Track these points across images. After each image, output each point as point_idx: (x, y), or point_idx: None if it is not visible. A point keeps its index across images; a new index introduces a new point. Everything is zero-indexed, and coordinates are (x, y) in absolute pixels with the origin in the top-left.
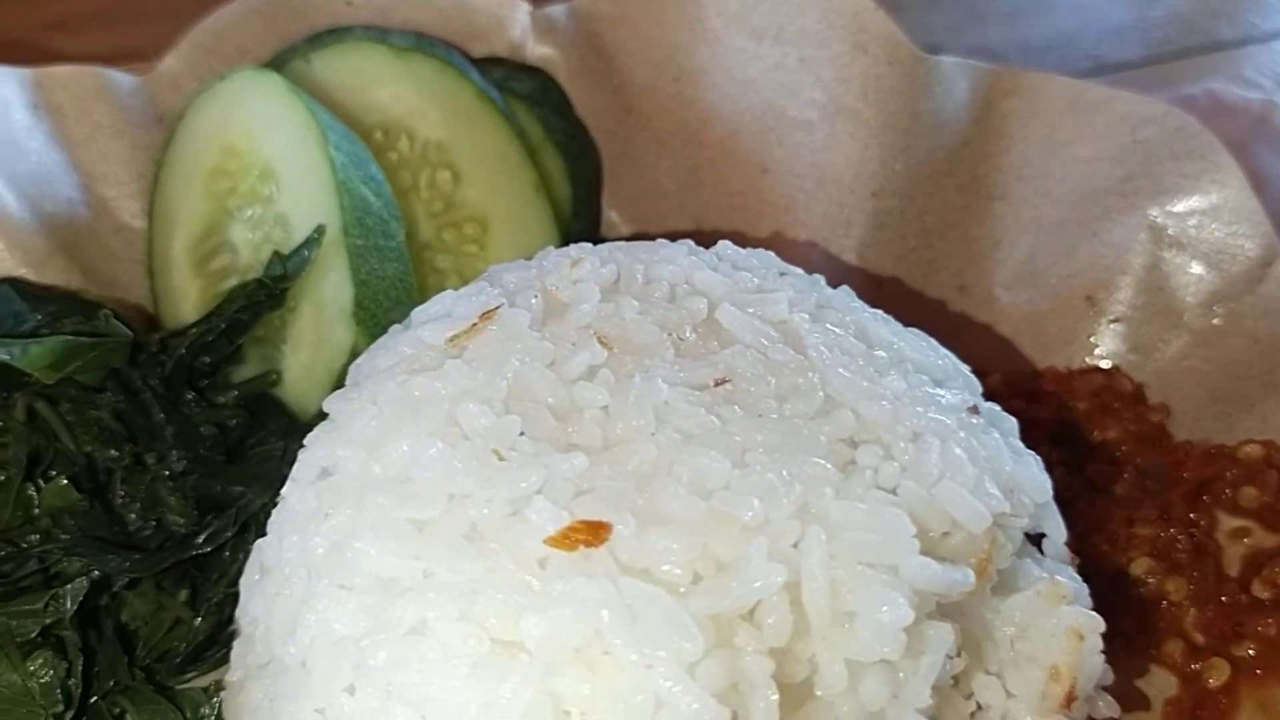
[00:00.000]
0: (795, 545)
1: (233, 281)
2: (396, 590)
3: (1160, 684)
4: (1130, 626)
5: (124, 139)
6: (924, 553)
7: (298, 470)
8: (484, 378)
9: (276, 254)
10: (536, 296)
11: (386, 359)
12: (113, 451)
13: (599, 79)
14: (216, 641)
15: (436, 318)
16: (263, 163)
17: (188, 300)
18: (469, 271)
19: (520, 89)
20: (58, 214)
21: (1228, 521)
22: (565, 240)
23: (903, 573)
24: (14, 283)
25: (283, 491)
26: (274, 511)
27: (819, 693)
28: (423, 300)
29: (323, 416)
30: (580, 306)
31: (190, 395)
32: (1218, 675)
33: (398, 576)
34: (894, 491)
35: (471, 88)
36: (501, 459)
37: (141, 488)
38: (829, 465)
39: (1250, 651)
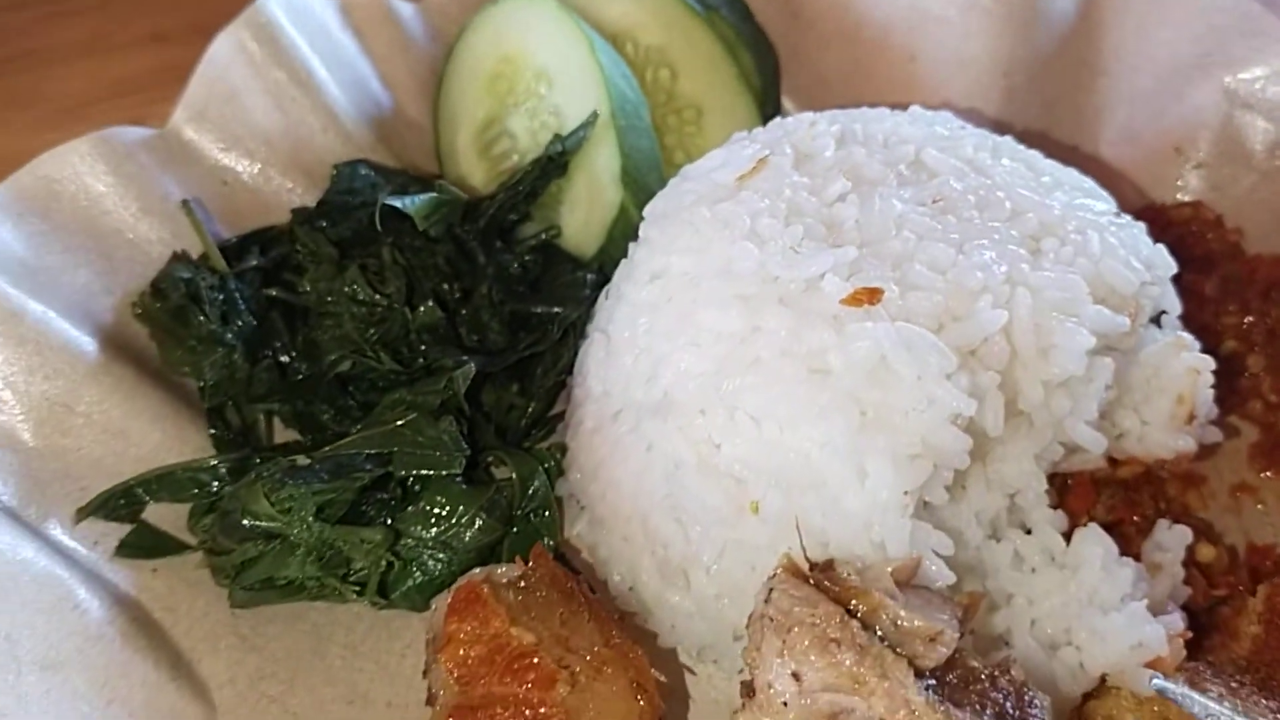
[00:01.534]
0: (1007, 302)
1: (513, 161)
2: (734, 341)
3: (1245, 433)
4: (1223, 391)
5: (409, 54)
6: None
7: (630, 273)
8: (769, 203)
9: (557, 135)
10: (790, 148)
11: (683, 198)
12: (445, 286)
13: None
14: (542, 420)
15: (718, 167)
16: (537, 66)
17: (475, 178)
18: (691, 148)
19: (713, 2)
20: (372, 111)
21: None
22: (761, 122)
23: (1083, 318)
24: (364, 162)
25: (614, 289)
26: (609, 304)
27: (1022, 407)
28: (665, 168)
29: (599, 257)
30: (824, 154)
31: (499, 244)
32: None
33: (735, 330)
34: (1072, 264)
35: (680, 2)
36: (796, 252)
37: (469, 313)
38: (1023, 250)
39: None
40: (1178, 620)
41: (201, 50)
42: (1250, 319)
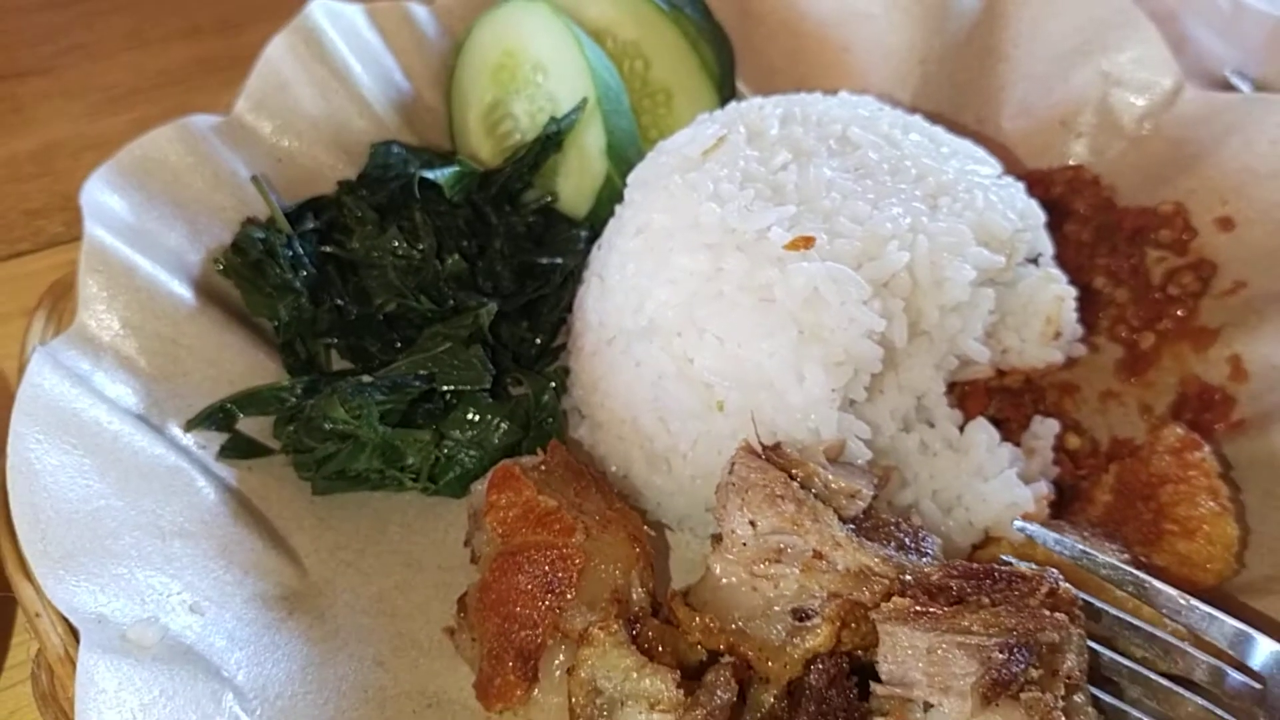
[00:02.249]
0: (910, 246)
1: (515, 139)
2: (702, 279)
3: (1111, 351)
4: (1092, 318)
5: (424, 49)
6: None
7: (620, 229)
8: (727, 172)
9: (552, 118)
10: (743, 128)
11: (660, 168)
12: (465, 243)
13: None
14: (548, 350)
15: (687, 143)
16: (534, 59)
17: (483, 153)
18: (663, 126)
19: (677, 2)
20: (396, 99)
21: (1153, 253)
22: (720, 104)
23: (969, 257)
24: (395, 142)
25: (606, 242)
26: (602, 254)
27: (924, 327)
28: (642, 143)
29: (590, 217)
30: (770, 131)
31: (508, 208)
32: (1146, 341)
33: (703, 270)
34: (960, 216)
35: (650, 4)
36: (749, 210)
37: (485, 265)
38: (924, 206)
39: (1166, 326)
40: (1044, 486)
41: (232, 43)
42: (1118, 259)
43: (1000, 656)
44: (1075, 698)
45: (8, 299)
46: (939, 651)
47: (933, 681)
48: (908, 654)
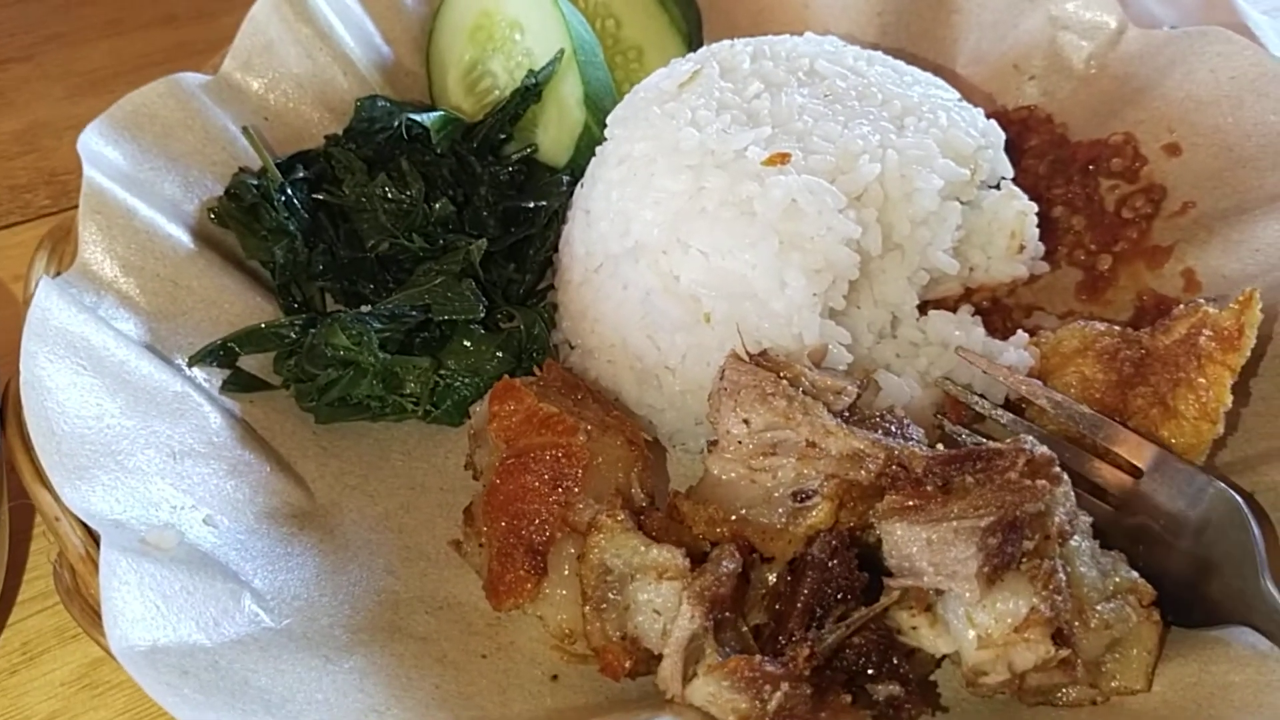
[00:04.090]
0: (880, 160)
1: (494, 95)
2: (685, 198)
3: (1072, 275)
4: (1051, 246)
5: (402, 14)
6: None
7: (602, 161)
8: (704, 100)
9: (530, 71)
10: (716, 64)
11: (638, 104)
12: (450, 192)
13: None
14: (534, 290)
15: (663, 79)
16: (510, 18)
17: (464, 111)
18: (635, 80)
19: None
20: (375, 60)
21: (1106, 182)
22: None
23: (936, 169)
24: (379, 96)
25: (589, 177)
26: (586, 189)
27: (896, 240)
28: (616, 95)
29: (569, 166)
30: (742, 67)
31: (490, 159)
32: (1103, 263)
33: (685, 189)
34: (926, 134)
35: None
36: (727, 132)
37: (470, 213)
38: (891, 126)
39: (1122, 248)
40: (1025, 355)
41: (209, 27)
42: (1073, 188)
43: (994, 541)
44: (1070, 543)
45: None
46: (936, 540)
47: (939, 569)
48: (910, 547)
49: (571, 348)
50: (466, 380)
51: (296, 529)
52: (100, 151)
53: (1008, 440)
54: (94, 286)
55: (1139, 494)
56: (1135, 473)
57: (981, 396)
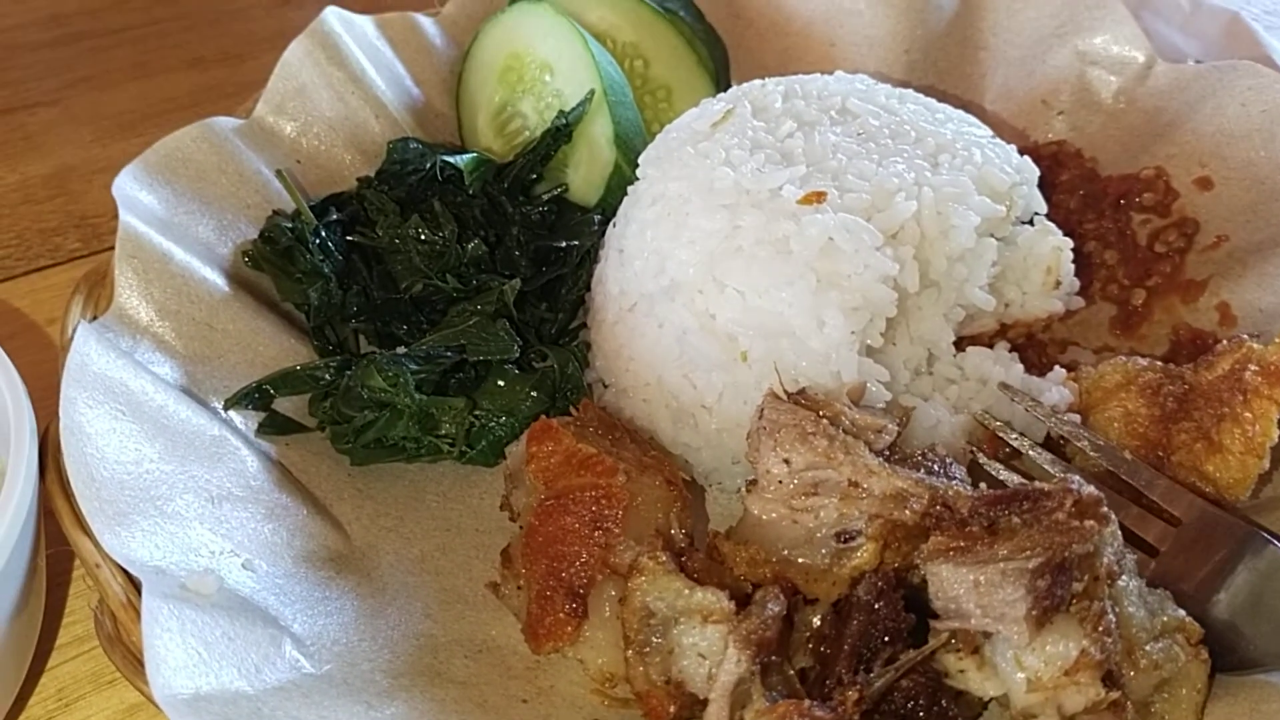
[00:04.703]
0: (916, 197)
1: (524, 136)
2: (721, 237)
3: (1105, 310)
4: (1084, 281)
5: (432, 57)
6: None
7: (636, 201)
8: (737, 140)
9: (561, 111)
10: (748, 104)
11: (671, 143)
12: (482, 232)
13: None
14: (567, 329)
15: (695, 119)
16: (541, 59)
17: (493, 153)
18: (664, 119)
19: (672, 6)
20: (406, 103)
21: (1138, 216)
22: None
23: (971, 205)
24: (411, 138)
25: (622, 216)
26: (619, 229)
27: (932, 277)
28: (646, 135)
29: (599, 205)
30: (774, 106)
31: (521, 198)
32: (1137, 298)
33: (721, 229)
34: (961, 170)
35: (647, 7)
36: (761, 172)
37: (502, 253)
38: (926, 163)
39: (1156, 282)
40: (1066, 391)
41: (235, 70)
42: (1105, 223)
43: (1043, 583)
44: (1118, 583)
45: (32, 308)
46: (983, 582)
47: (986, 611)
48: (956, 589)
49: (605, 387)
50: (501, 420)
51: (334, 572)
52: (135, 196)
53: (1054, 480)
54: (130, 331)
55: (1179, 542)
56: (1174, 521)
57: (1021, 435)
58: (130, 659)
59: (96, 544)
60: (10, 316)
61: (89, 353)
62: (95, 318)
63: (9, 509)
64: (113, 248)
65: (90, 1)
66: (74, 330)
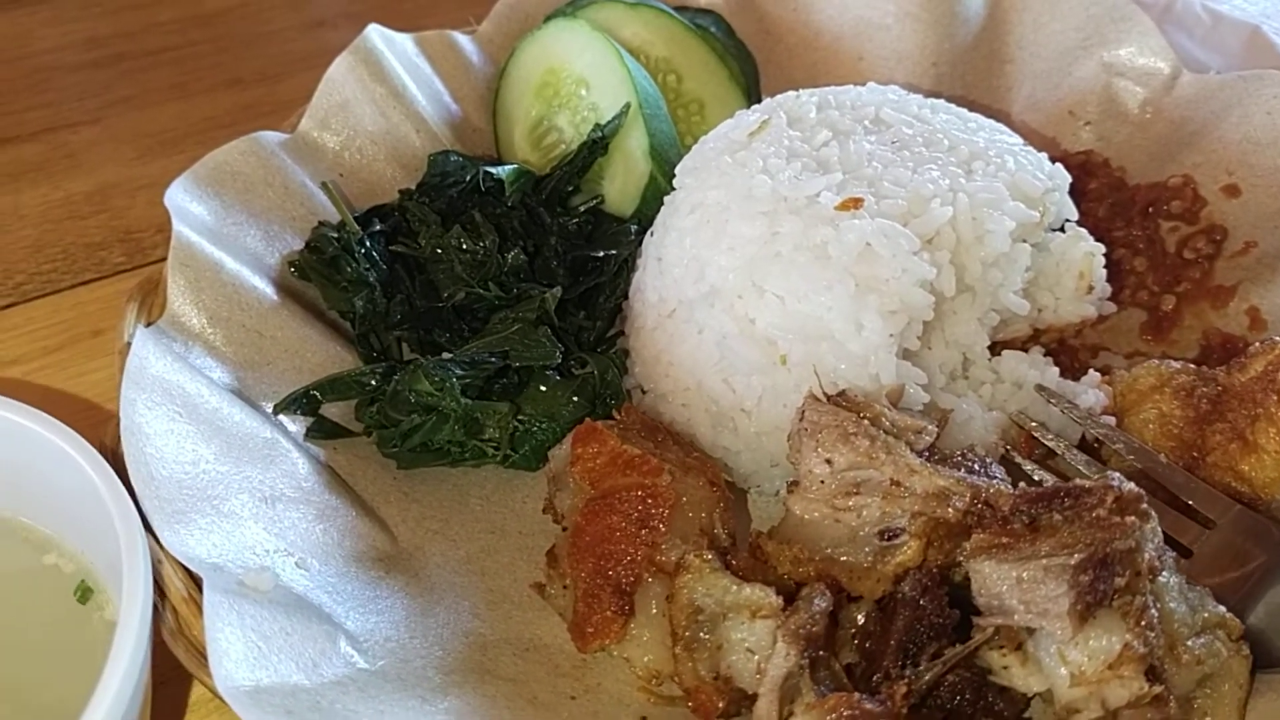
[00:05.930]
0: (951, 203)
1: (561, 150)
2: (760, 243)
3: (1135, 315)
4: (1114, 288)
5: (470, 74)
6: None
7: (674, 210)
8: (774, 149)
9: (597, 124)
10: (783, 114)
11: (708, 153)
12: (521, 243)
13: (746, 14)
14: (604, 337)
15: (731, 129)
16: (577, 75)
17: (530, 166)
18: (698, 132)
19: (703, 23)
20: (445, 118)
21: (1166, 224)
22: None
23: (1006, 211)
24: (451, 151)
25: (660, 225)
26: (657, 237)
27: (968, 281)
28: (680, 148)
29: (635, 216)
30: (809, 116)
31: (559, 209)
32: (1167, 304)
33: (759, 235)
34: (995, 177)
35: (679, 23)
36: (798, 179)
37: (541, 263)
38: (960, 170)
39: (1185, 288)
40: (1100, 394)
41: (273, 89)
42: (1134, 230)
43: (1086, 579)
44: (1159, 578)
45: (78, 320)
46: (1026, 579)
47: (1030, 607)
48: (999, 586)
49: (644, 392)
50: (543, 425)
51: (384, 572)
52: (186, 206)
53: (1095, 477)
54: (183, 336)
55: (1212, 544)
56: (1208, 524)
57: (1057, 436)
58: (193, 652)
59: (157, 540)
60: (58, 328)
61: (147, 356)
62: (150, 324)
63: (116, 675)
64: (157, 260)
65: (127, 25)
66: (131, 334)
